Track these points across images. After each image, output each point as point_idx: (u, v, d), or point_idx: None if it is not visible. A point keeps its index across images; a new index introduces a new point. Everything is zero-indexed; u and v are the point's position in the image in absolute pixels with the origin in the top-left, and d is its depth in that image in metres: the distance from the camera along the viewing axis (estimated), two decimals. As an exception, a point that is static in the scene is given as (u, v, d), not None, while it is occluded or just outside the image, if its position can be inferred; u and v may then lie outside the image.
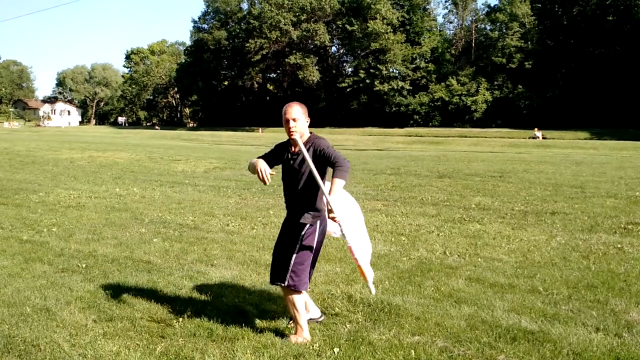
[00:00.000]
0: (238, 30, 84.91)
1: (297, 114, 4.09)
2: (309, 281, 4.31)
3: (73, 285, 5.53)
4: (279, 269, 4.16)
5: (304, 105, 4.23)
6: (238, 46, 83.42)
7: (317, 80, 79.12)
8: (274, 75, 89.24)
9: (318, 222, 4.16)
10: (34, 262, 6.49)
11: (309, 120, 4.21)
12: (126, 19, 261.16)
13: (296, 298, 4.14)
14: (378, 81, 73.64)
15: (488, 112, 69.60)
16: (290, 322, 4.46)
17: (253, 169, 4.17)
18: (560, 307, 4.87)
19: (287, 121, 4.09)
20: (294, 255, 4.10)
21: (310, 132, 4.20)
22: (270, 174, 4.09)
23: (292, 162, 4.15)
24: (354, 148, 36.74)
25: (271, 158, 4.28)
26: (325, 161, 4.01)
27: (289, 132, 4.10)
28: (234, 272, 6.02)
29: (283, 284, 4.13)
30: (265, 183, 4.13)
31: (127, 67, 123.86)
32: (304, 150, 3.94)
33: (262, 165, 4.09)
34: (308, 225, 4.13)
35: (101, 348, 4.04)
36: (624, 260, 6.53)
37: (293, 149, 4.19)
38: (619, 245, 7.29)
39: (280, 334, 4.29)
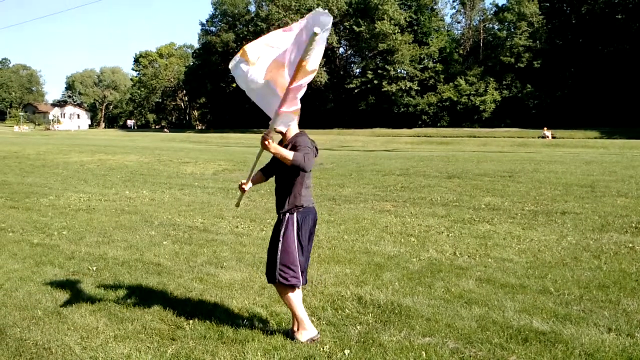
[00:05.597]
0: (246, 33, 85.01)
1: None
2: (303, 277, 4.23)
3: (84, 288, 5.56)
4: (269, 268, 4.21)
5: None
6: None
7: (325, 81, 79.07)
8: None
9: (296, 214, 4.14)
10: (44, 265, 6.53)
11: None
12: (135, 23, 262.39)
13: (290, 295, 4.16)
14: (386, 82, 73.55)
15: (497, 111, 69.37)
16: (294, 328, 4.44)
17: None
18: (571, 308, 4.84)
19: None
20: (279, 251, 4.12)
21: (301, 131, 4.23)
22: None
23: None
24: (362, 149, 36.70)
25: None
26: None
27: None
28: (243, 274, 6.03)
29: (274, 283, 4.18)
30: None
31: (136, 71, 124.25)
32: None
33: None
34: (287, 218, 4.14)
35: (112, 351, 4.06)
36: (636, 260, 6.48)
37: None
38: (630, 245, 7.24)
39: (291, 335, 4.29)
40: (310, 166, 3.92)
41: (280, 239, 4.13)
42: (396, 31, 72.59)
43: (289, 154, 3.90)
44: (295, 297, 4.19)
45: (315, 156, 4.22)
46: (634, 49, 60.07)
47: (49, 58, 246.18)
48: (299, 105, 3.91)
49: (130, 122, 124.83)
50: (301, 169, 3.93)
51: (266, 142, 3.85)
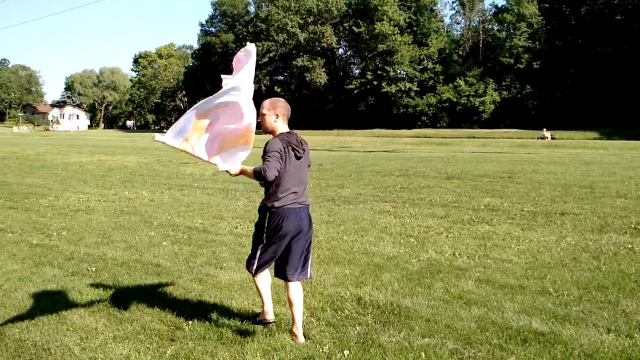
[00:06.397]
0: (245, 33, 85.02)
1: (263, 109, 4.21)
2: (266, 271, 4.42)
3: (83, 289, 5.56)
4: None
5: (274, 99, 4.30)
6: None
7: (325, 82, 79.07)
8: (282, 78, 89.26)
9: (268, 214, 4.20)
10: (44, 266, 6.53)
11: (278, 115, 4.20)
12: (134, 23, 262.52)
13: (255, 280, 4.41)
14: (385, 83, 73.51)
15: (496, 112, 69.31)
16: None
17: None
18: (571, 308, 4.84)
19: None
20: (252, 242, 4.42)
21: (290, 131, 4.24)
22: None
23: None
24: (362, 150, 36.70)
25: None
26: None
27: None
28: (242, 274, 6.02)
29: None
30: None
31: (135, 71, 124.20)
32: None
33: None
34: (259, 217, 4.30)
35: (111, 351, 4.06)
36: (635, 261, 6.48)
37: None
38: (629, 246, 7.24)
39: (256, 318, 4.42)
40: (271, 175, 3.96)
41: (255, 232, 4.38)
42: (396, 32, 72.57)
43: (250, 170, 4.11)
44: (260, 281, 4.39)
45: (299, 157, 4.17)
46: (633, 49, 60.09)
47: (48, 58, 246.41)
48: (247, 121, 4.05)
49: (129, 123, 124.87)
50: (263, 179, 4.01)
51: (231, 173, 4.18)
